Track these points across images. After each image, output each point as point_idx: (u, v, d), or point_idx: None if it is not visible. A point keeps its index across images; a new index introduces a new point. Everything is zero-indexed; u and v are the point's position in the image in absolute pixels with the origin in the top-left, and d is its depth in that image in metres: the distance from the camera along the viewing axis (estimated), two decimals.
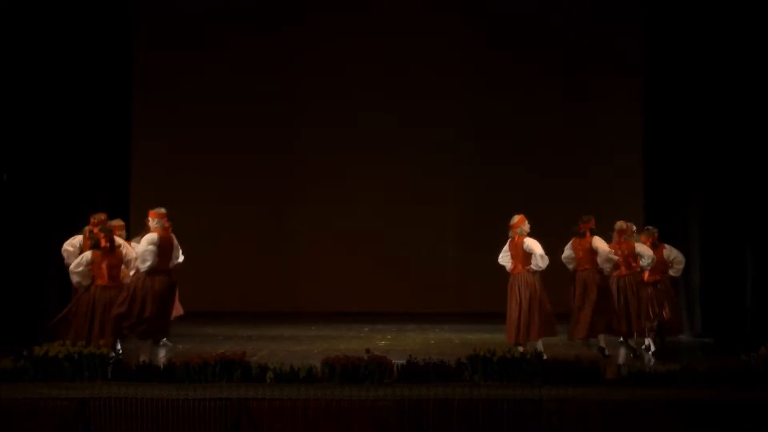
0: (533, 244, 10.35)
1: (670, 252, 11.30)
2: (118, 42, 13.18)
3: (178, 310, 11.48)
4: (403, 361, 8.50)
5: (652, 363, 9.78)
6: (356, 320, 13.39)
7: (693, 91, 12.49)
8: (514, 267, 10.50)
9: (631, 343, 10.71)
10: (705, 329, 12.14)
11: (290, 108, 15.00)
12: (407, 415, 8.12)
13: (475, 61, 14.97)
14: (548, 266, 10.39)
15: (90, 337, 9.44)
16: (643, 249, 10.75)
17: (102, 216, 10.43)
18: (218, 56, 14.89)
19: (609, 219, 11.06)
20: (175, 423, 8.10)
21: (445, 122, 15.01)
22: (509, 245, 10.58)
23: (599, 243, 10.32)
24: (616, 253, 10.53)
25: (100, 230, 10.02)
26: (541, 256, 10.28)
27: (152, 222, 9.90)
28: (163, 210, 9.99)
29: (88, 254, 9.90)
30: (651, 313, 10.80)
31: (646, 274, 10.92)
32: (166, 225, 9.92)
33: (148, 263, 9.68)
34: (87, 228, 10.42)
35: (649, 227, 11.62)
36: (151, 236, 9.79)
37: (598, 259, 10.29)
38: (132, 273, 9.89)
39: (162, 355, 10.41)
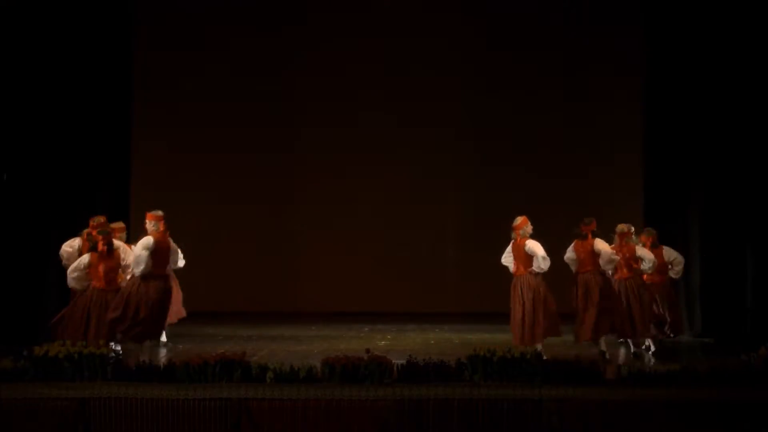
0: (535, 246, 10.34)
1: (669, 253, 11.32)
2: (118, 42, 13.18)
3: (180, 312, 11.51)
4: (403, 361, 8.50)
5: (652, 363, 9.78)
6: (356, 320, 13.39)
7: (693, 91, 12.49)
8: (517, 269, 10.50)
9: (632, 344, 10.69)
10: (705, 329, 12.14)
11: (290, 108, 15.00)
12: (407, 415, 8.11)
13: (475, 61, 14.98)
14: (550, 267, 10.39)
15: (85, 338, 9.45)
16: (645, 253, 10.74)
17: (101, 219, 10.44)
18: (218, 56, 14.89)
19: (609, 219, 11.05)
20: (175, 423, 8.10)
21: (445, 122, 15.01)
22: (512, 246, 10.58)
23: (601, 245, 10.29)
24: (617, 256, 10.52)
25: (98, 232, 10.04)
26: (543, 258, 10.28)
27: (149, 224, 9.90)
28: (160, 212, 9.97)
29: (85, 257, 9.94)
30: (654, 314, 10.81)
31: (646, 276, 10.92)
32: (162, 228, 9.90)
33: (142, 268, 9.68)
34: (86, 231, 10.42)
35: (649, 228, 11.65)
36: (146, 240, 9.77)
37: (601, 261, 10.26)
38: (129, 277, 9.90)
39: (162, 355, 10.41)
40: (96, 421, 8.12)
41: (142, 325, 9.67)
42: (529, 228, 10.50)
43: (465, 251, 14.87)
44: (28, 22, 11.50)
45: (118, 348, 9.86)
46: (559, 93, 14.87)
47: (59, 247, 10.58)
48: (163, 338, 11.34)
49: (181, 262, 10.90)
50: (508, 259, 10.65)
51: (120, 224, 10.76)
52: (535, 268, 10.33)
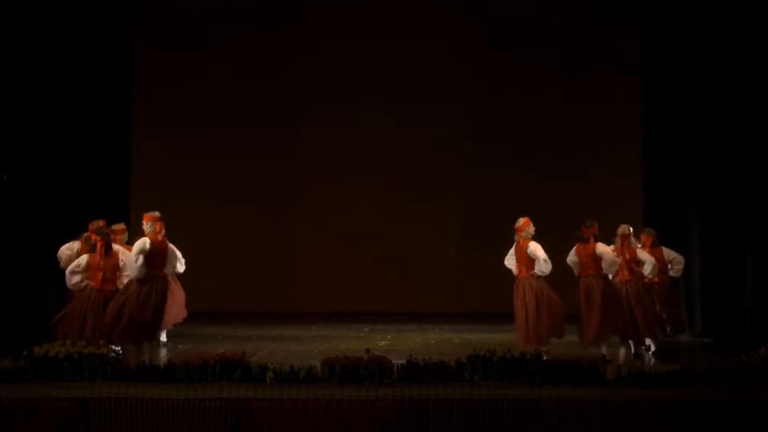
0: (537, 249, 10.34)
1: (669, 252, 11.32)
2: (118, 42, 13.18)
3: (182, 314, 11.52)
4: (403, 361, 8.49)
5: (652, 363, 9.77)
6: (356, 320, 13.38)
7: (693, 91, 12.49)
8: (519, 271, 10.50)
9: (632, 345, 10.67)
10: (705, 329, 12.13)
11: (290, 108, 15.01)
12: (407, 415, 8.11)
13: (475, 61, 14.98)
14: (555, 268, 10.39)
15: (81, 338, 9.48)
16: (646, 256, 10.72)
17: (100, 223, 10.44)
18: (218, 56, 14.90)
19: (609, 219, 11.04)
20: (175, 423, 8.09)
21: (445, 122, 15.01)
22: (514, 248, 10.58)
23: (603, 248, 10.23)
24: (619, 258, 10.50)
25: (97, 233, 10.07)
26: (545, 260, 10.29)
27: (146, 225, 9.93)
28: (157, 213, 10.00)
29: (84, 258, 10.00)
30: (655, 315, 10.82)
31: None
32: (158, 229, 9.90)
33: (136, 272, 9.68)
34: (85, 234, 10.42)
35: (648, 228, 11.66)
36: (141, 242, 9.79)
37: (603, 265, 10.20)
38: (126, 279, 9.93)
39: (162, 355, 10.41)
40: (96, 421, 8.12)
41: (138, 327, 9.69)
42: (531, 229, 10.49)
43: (465, 251, 14.87)
44: (28, 22, 11.50)
45: (118, 348, 9.86)
46: (559, 93, 14.87)
47: (59, 247, 10.59)
48: (163, 338, 11.35)
49: (181, 268, 10.91)
50: (510, 261, 10.65)
51: (121, 226, 10.77)
52: (536, 270, 10.33)
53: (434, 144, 14.98)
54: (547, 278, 10.44)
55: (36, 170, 11.57)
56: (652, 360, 10.15)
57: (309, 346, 11.10)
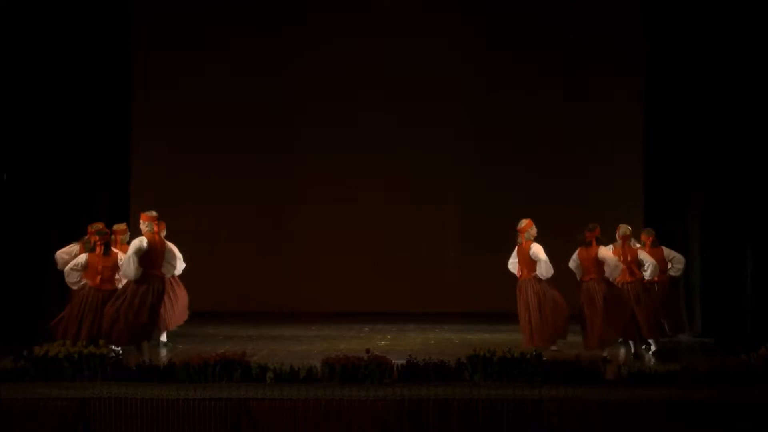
0: (539, 251, 10.34)
1: (669, 252, 11.32)
2: (118, 42, 13.18)
3: (184, 315, 11.53)
4: (403, 361, 8.50)
5: (652, 363, 9.77)
6: (356, 320, 13.39)
7: (693, 91, 12.49)
8: (521, 272, 10.50)
9: (632, 345, 10.66)
10: (705, 329, 12.14)
11: (290, 108, 15.00)
12: (407, 415, 8.12)
13: (475, 61, 14.98)
14: (556, 269, 10.39)
15: (77, 337, 9.51)
16: (647, 257, 10.73)
17: (99, 225, 10.45)
18: (218, 56, 14.89)
19: (609, 219, 11.05)
20: (175, 423, 8.10)
21: (445, 122, 15.01)
22: (517, 250, 10.57)
23: (606, 253, 10.17)
24: (620, 260, 10.49)
25: (96, 233, 10.10)
26: (546, 263, 10.28)
27: (143, 225, 9.93)
28: (154, 213, 9.99)
29: (83, 257, 10.05)
30: (658, 315, 10.82)
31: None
32: (156, 229, 9.93)
33: (132, 273, 9.71)
34: (84, 238, 10.44)
35: (648, 228, 11.67)
36: (137, 242, 9.79)
37: (606, 269, 10.13)
38: (124, 280, 9.95)
39: (162, 355, 10.41)
40: (96, 421, 8.13)
41: (135, 329, 9.71)
42: (533, 230, 10.49)
43: (465, 251, 14.87)
44: (28, 21, 11.50)
45: (119, 348, 9.87)
46: (559, 93, 14.87)
47: (59, 247, 10.59)
48: (163, 338, 11.35)
49: (180, 270, 10.93)
50: (513, 264, 10.64)
51: (122, 226, 10.76)
52: (537, 273, 10.33)
53: (434, 144, 14.98)
54: (549, 279, 10.44)
55: (36, 170, 11.58)
56: (652, 360, 10.15)
57: (309, 346, 11.10)
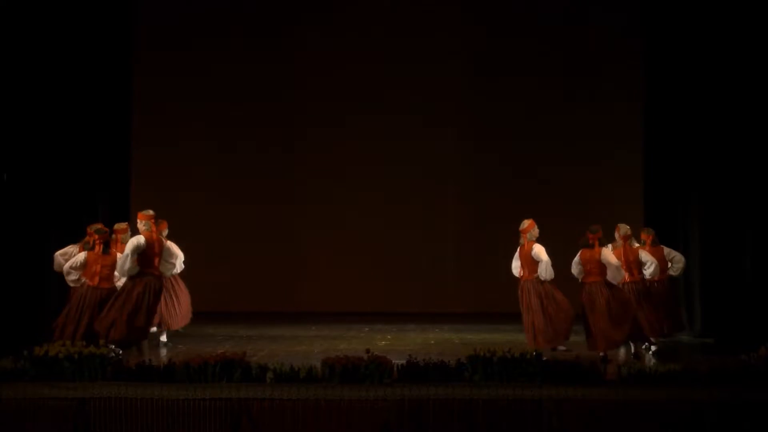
0: (541, 252, 10.33)
1: (669, 251, 11.32)
2: (118, 42, 13.18)
3: (187, 316, 11.55)
4: (403, 361, 8.49)
5: (652, 363, 9.76)
6: (356, 320, 13.39)
7: (693, 91, 12.49)
8: (523, 273, 10.50)
9: (632, 345, 10.65)
10: (705, 329, 12.13)
11: (290, 108, 15.01)
12: (407, 415, 8.11)
13: (476, 61, 14.99)
14: (557, 269, 10.39)
15: (74, 336, 9.55)
16: (648, 257, 10.73)
17: (98, 226, 10.47)
18: (218, 56, 14.91)
19: (609, 219, 11.05)
20: (175, 423, 8.09)
21: (445, 122, 15.03)
22: (519, 251, 10.56)
23: (609, 256, 10.12)
24: (621, 259, 10.48)
25: (95, 232, 10.14)
26: (547, 264, 10.28)
27: (140, 224, 10.00)
28: (151, 212, 10.08)
29: (81, 255, 10.10)
30: (659, 315, 10.82)
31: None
32: (153, 228, 9.96)
33: (126, 271, 9.78)
34: (84, 240, 10.44)
35: (648, 227, 11.68)
36: (135, 241, 9.85)
37: (608, 273, 10.07)
38: (123, 278, 9.99)
39: (162, 355, 10.41)
40: (96, 421, 8.12)
41: (132, 330, 9.75)
42: (536, 231, 10.49)
43: (465, 251, 14.88)
44: (28, 20, 11.49)
45: (119, 350, 9.87)
46: (559, 93, 14.88)
47: (59, 247, 10.59)
48: (163, 338, 11.35)
49: (179, 268, 10.95)
50: (515, 266, 10.63)
51: (123, 225, 10.76)
52: (539, 274, 10.32)
53: (434, 144, 14.99)
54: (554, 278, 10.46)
55: (36, 170, 11.57)
56: (652, 360, 10.14)
57: (309, 346, 11.10)
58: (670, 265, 11.27)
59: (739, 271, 11.71)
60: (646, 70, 13.61)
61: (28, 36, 11.46)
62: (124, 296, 9.79)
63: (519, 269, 10.61)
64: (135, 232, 10.52)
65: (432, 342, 11.66)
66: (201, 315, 12.25)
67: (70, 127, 12.15)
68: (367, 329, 12.79)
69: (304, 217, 15.00)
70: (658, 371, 8.41)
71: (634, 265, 10.75)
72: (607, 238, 10.59)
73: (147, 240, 9.87)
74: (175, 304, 11.35)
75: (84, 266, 10.02)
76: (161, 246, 10.12)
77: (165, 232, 11.34)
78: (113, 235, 10.60)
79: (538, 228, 10.58)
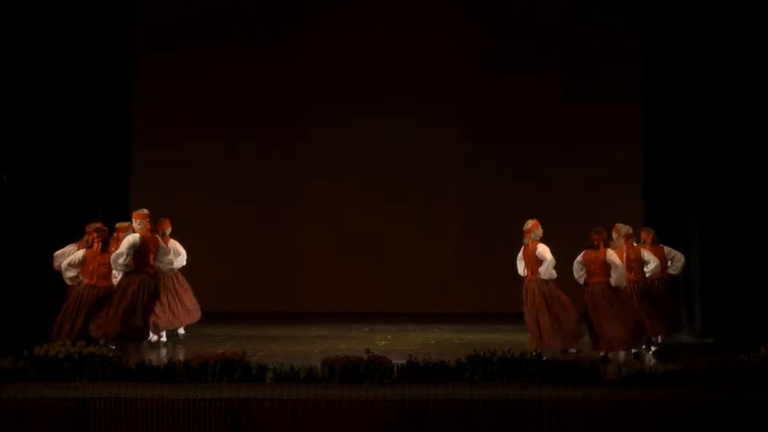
0: (545, 251, 10.34)
1: (669, 251, 11.33)
2: (118, 42, 13.18)
3: (193, 314, 11.57)
4: (403, 361, 8.49)
5: (652, 363, 9.76)
6: (356, 320, 13.38)
7: (693, 91, 12.48)
8: (527, 273, 10.49)
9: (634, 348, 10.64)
10: (705, 329, 12.13)
11: (290, 108, 15.01)
12: (407, 415, 8.11)
13: (476, 61, 14.98)
14: (558, 269, 10.39)
15: (71, 333, 9.58)
16: (650, 256, 10.74)
17: (97, 225, 10.49)
18: (218, 56, 14.90)
19: (609, 219, 11.05)
20: (175, 423, 8.09)
21: (445, 122, 15.02)
22: (523, 251, 10.57)
23: (614, 257, 10.13)
24: (622, 258, 10.48)
25: (94, 230, 10.18)
26: (550, 263, 10.29)
27: (135, 223, 10.13)
28: (145, 211, 10.25)
29: (80, 253, 10.17)
30: (660, 314, 10.82)
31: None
32: (148, 227, 10.08)
33: (119, 266, 9.90)
34: (83, 239, 10.46)
35: (648, 227, 11.68)
36: (131, 238, 9.97)
37: (612, 275, 10.08)
38: (120, 276, 10.04)
39: (162, 355, 10.42)
40: (96, 421, 8.12)
41: (129, 329, 9.78)
42: (540, 231, 10.50)
43: (465, 251, 14.88)
44: (28, 20, 11.48)
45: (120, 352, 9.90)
46: (559, 93, 14.88)
47: (59, 247, 10.61)
48: (163, 338, 11.36)
49: (177, 263, 10.98)
50: (520, 265, 10.63)
51: (125, 224, 10.79)
52: (540, 271, 10.32)
53: (434, 144, 14.98)
54: (557, 279, 10.45)
55: (36, 170, 11.56)
56: (652, 360, 10.13)
57: (309, 346, 11.10)
58: (670, 263, 11.27)
59: (739, 271, 11.71)
60: (646, 70, 13.61)
61: (28, 36, 11.45)
62: (119, 294, 9.92)
63: (523, 268, 10.61)
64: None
65: (432, 342, 11.65)
66: (201, 315, 12.24)
67: (70, 127, 12.14)
68: (367, 329, 12.79)
69: (304, 217, 14.99)
70: (658, 371, 8.41)
71: (635, 264, 10.76)
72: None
73: (142, 238, 9.94)
74: (177, 303, 11.36)
75: (82, 264, 10.09)
76: (156, 244, 10.21)
77: (168, 231, 11.38)
78: (114, 234, 10.64)
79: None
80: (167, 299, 11.21)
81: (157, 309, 10.88)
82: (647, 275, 10.83)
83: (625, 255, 10.66)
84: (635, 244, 11.00)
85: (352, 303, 14.36)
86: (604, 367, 8.55)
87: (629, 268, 10.66)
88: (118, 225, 10.75)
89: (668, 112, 12.98)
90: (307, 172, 15.02)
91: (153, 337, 11.15)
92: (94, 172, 12.61)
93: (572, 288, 10.50)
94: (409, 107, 14.86)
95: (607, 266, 10.06)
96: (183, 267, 11.59)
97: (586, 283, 10.22)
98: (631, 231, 10.89)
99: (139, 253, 10.02)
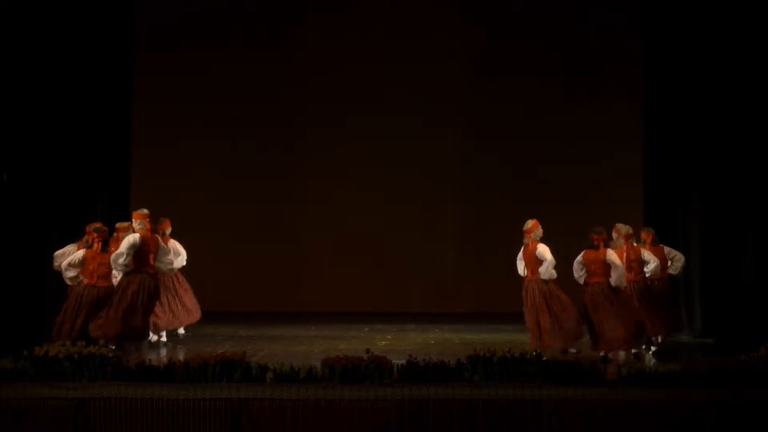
0: (545, 251, 10.34)
1: (669, 251, 11.33)
2: (118, 42, 13.18)
3: (194, 314, 11.57)
4: (403, 361, 8.49)
5: (652, 363, 9.76)
6: (356, 320, 13.38)
7: (693, 91, 12.49)
8: (527, 273, 10.49)
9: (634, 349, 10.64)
10: (705, 329, 12.13)
11: (290, 108, 15.01)
12: (407, 415, 8.11)
13: (476, 61, 14.98)
14: (557, 269, 10.39)
15: (71, 333, 9.59)
16: (650, 256, 10.74)
17: (97, 224, 10.49)
18: (218, 56, 14.90)
19: (609, 219, 11.05)
20: (175, 423, 8.09)
21: (445, 122, 15.02)
22: (523, 251, 10.57)
23: (614, 258, 10.13)
24: (622, 258, 10.48)
25: (94, 230, 10.19)
26: (550, 264, 10.28)
27: (135, 223, 10.13)
28: (145, 211, 10.27)
29: (80, 253, 10.18)
30: (661, 314, 10.83)
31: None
32: (148, 227, 10.11)
33: (119, 265, 9.92)
34: (83, 239, 10.46)
35: (648, 227, 11.68)
36: (131, 238, 9.98)
37: (613, 275, 10.08)
38: (119, 276, 10.05)
39: (162, 355, 10.42)
40: (96, 421, 8.12)
41: (129, 329, 9.79)
42: (539, 231, 10.50)
43: (465, 251, 14.88)
44: (28, 21, 11.49)
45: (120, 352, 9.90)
46: (559, 93, 14.88)
47: (59, 247, 10.61)
48: (163, 338, 11.36)
49: (177, 263, 10.98)
50: (520, 265, 10.63)
51: (126, 224, 10.80)
52: (540, 271, 10.32)
53: (434, 144, 14.98)
54: (558, 279, 10.44)
55: (36, 170, 11.57)
56: (652, 360, 10.13)
57: (309, 346, 11.10)
58: (670, 263, 11.27)
59: (739, 271, 11.71)
60: (646, 70, 13.61)
61: (28, 36, 11.46)
62: (119, 294, 9.93)
63: (523, 268, 10.61)
64: None
65: (432, 342, 11.66)
66: (201, 315, 12.25)
67: (70, 127, 12.14)
68: (367, 329, 12.79)
69: (304, 217, 14.99)
70: (658, 371, 8.41)
71: (635, 264, 10.76)
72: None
73: (142, 238, 9.95)
74: (177, 303, 11.37)
75: (82, 264, 10.10)
76: (156, 245, 10.23)
77: (168, 231, 11.38)
78: (114, 234, 10.64)
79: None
80: (167, 299, 11.22)
81: (157, 309, 10.88)
82: (647, 275, 10.84)
83: (625, 255, 10.66)
84: (635, 244, 11.00)
85: (352, 303, 14.36)
86: (604, 367, 8.55)
87: (629, 268, 10.67)
88: (118, 225, 10.76)
89: (668, 112, 12.98)
90: (307, 172, 15.02)
91: (153, 337, 11.15)
92: (94, 172, 12.61)
93: (572, 288, 10.50)
94: (409, 107, 14.86)
95: (607, 266, 10.07)
96: (183, 267, 11.59)
97: (586, 283, 10.22)
98: (631, 231, 10.90)
99: (138, 253, 10.05)
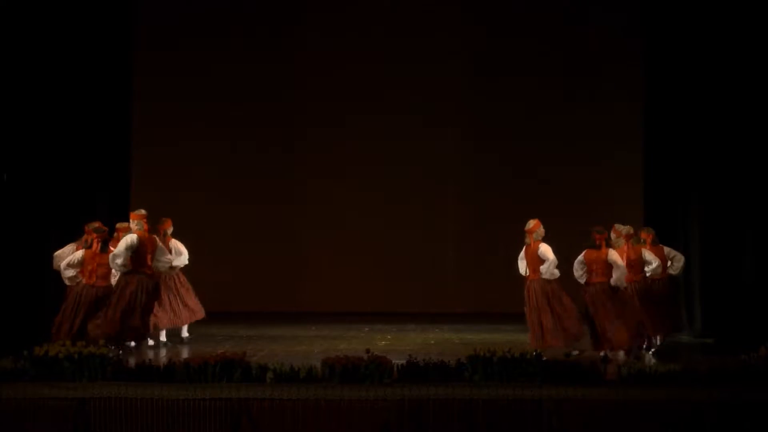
0: (547, 251, 10.34)
1: (669, 251, 11.33)
2: (118, 42, 13.17)
3: (195, 314, 11.57)
4: (403, 361, 8.49)
5: (652, 363, 9.75)
6: (356, 320, 13.38)
7: (693, 91, 12.48)
8: (529, 272, 10.49)
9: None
10: (705, 329, 12.13)
11: (290, 108, 15.01)
12: (407, 415, 8.11)
13: (476, 61, 14.99)
14: (558, 269, 10.39)
15: (70, 333, 9.60)
16: (651, 256, 10.75)
17: (96, 224, 10.50)
18: (218, 56, 14.90)
19: (609, 219, 11.05)
20: (175, 423, 8.09)
21: (445, 122, 15.02)
22: (524, 251, 10.56)
23: (616, 257, 10.15)
24: (622, 258, 10.48)
25: (93, 230, 10.21)
26: (551, 263, 10.28)
27: (133, 224, 10.16)
28: (143, 211, 10.33)
29: (79, 253, 10.19)
30: (661, 314, 10.83)
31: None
32: (146, 227, 10.16)
33: (117, 266, 9.95)
34: (83, 238, 10.47)
35: (648, 227, 11.68)
36: (129, 239, 10.00)
37: (614, 274, 10.10)
38: (118, 276, 10.07)
39: (162, 355, 10.42)
40: (96, 421, 8.12)
41: (128, 329, 9.81)
42: (541, 230, 10.50)
43: (465, 251, 14.88)
44: (28, 21, 11.49)
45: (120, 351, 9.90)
46: (559, 93, 14.88)
47: (59, 247, 10.61)
48: (163, 338, 11.36)
49: (182, 263, 11.00)
50: (522, 265, 10.63)
51: (126, 224, 10.80)
52: (542, 270, 10.31)
53: (434, 144, 14.98)
54: (559, 279, 10.45)
55: (36, 170, 11.56)
56: (652, 360, 10.13)
57: (309, 346, 11.10)
58: (670, 263, 11.27)
59: (739, 271, 11.71)
60: (646, 70, 13.61)
61: (28, 36, 11.46)
62: (118, 294, 9.97)
63: (525, 268, 10.61)
64: None
65: (432, 342, 11.66)
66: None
67: (70, 127, 12.14)
68: (367, 329, 12.79)
69: (304, 217, 15.00)
70: (658, 371, 8.41)
71: (635, 264, 10.76)
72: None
73: (140, 238, 9.97)
74: (179, 302, 11.37)
75: (81, 264, 10.12)
76: (154, 245, 10.25)
77: (170, 231, 11.38)
78: (114, 234, 10.65)
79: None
80: (168, 298, 11.22)
81: (157, 308, 10.88)
82: (648, 275, 10.84)
83: (625, 255, 10.66)
84: (635, 245, 11.00)
85: (352, 303, 14.36)
86: (604, 367, 8.54)
87: (630, 267, 10.66)
88: (118, 225, 10.77)
89: (668, 112, 12.98)
90: (307, 172, 15.02)
91: (153, 338, 11.14)
92: (94, 172, 12.61)
93: (572, 288, 10.50)
94: (409, 107, 14.87)
95: (608, 266, 10.07)
96: (184, 266, 11.58)
97: (586, 282, 10.23)
98: (631, 231, 10.90)
99: (136, 253, 10.07)
